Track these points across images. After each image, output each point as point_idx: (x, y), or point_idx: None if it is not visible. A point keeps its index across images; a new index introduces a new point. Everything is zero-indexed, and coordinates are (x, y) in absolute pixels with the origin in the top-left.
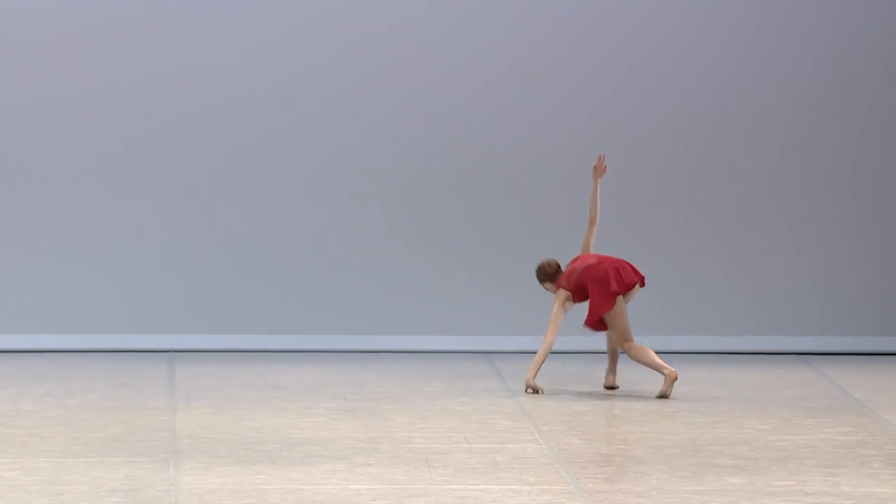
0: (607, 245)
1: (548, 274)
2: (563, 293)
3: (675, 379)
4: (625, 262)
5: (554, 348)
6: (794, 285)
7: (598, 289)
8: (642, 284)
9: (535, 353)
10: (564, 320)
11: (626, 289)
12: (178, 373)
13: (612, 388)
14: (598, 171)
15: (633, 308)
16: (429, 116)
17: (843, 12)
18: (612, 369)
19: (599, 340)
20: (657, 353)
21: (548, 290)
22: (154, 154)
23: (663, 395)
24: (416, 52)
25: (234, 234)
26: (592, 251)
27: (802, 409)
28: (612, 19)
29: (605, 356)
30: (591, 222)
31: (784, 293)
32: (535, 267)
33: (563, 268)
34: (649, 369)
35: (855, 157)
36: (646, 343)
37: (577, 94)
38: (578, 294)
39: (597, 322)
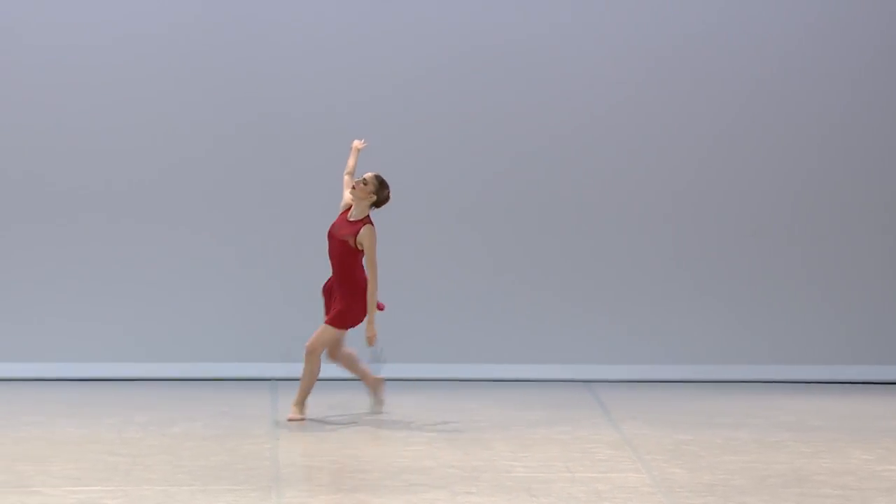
0: (712, 275)
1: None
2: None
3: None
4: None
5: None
6: None
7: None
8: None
9: (637, 382)
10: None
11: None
12: (281, 401)
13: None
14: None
15: (732, 336)
16: (539, 146)
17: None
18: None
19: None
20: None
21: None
22: (256, 189)
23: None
24: (527, 76)
25: (315, 263)
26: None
27: None
28: (733, 43)
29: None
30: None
31: (887, 322)
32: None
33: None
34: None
35: None
36: (749, 374)
37: (687, 126)
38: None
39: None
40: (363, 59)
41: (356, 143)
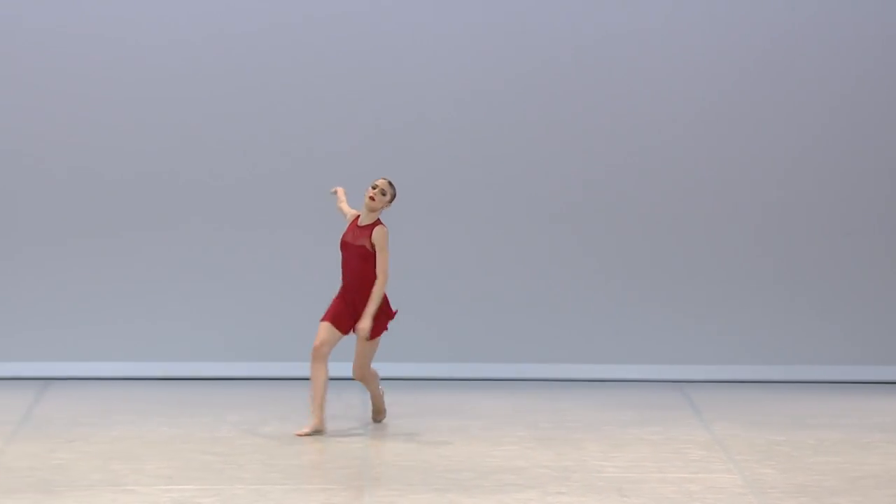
0: (805, 275)
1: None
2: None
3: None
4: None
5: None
6: None
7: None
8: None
9: (729, 382)
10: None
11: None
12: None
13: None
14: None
15: (824, 336)
16: (631, 150)
17: None
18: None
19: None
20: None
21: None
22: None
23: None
24: (621, 84)
25: (427, 263)
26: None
27: None
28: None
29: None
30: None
31: None
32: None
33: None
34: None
35: None
36: (842, 374)
37: (778, 129)
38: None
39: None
40: (449, 60)
41: (338, 191)
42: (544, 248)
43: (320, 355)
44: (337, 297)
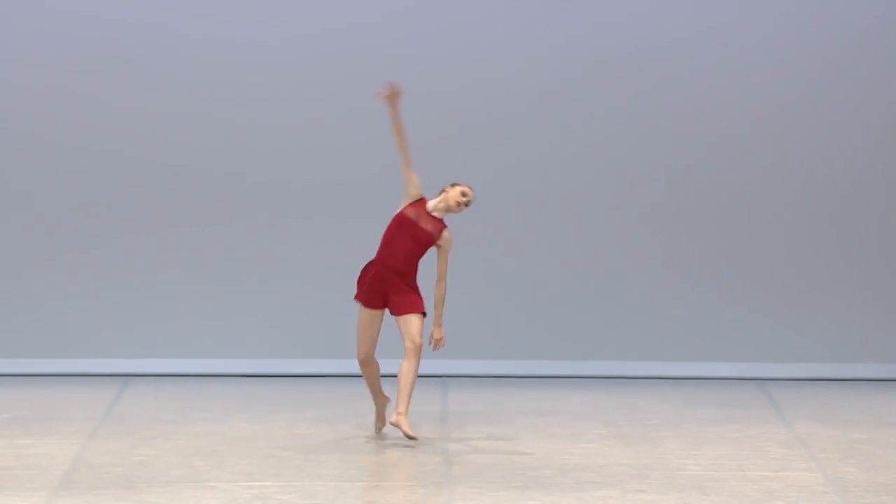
0: (885, 271)
1: None
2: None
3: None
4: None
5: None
6: None
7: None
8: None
9: (810, 380)
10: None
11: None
12: (451, 398)
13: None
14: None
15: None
16: (706, 146)
17: None
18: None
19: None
20: None
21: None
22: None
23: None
24: (689, 79)
25: (506, 261)
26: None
27: None
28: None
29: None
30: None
31: None
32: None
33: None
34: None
35: None
36: None
37: (857, 122)
38: None
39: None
40: (535, 55)
41: (391, 91)
42: (624, 248)
43: (370, 361)
44: (370, 277)
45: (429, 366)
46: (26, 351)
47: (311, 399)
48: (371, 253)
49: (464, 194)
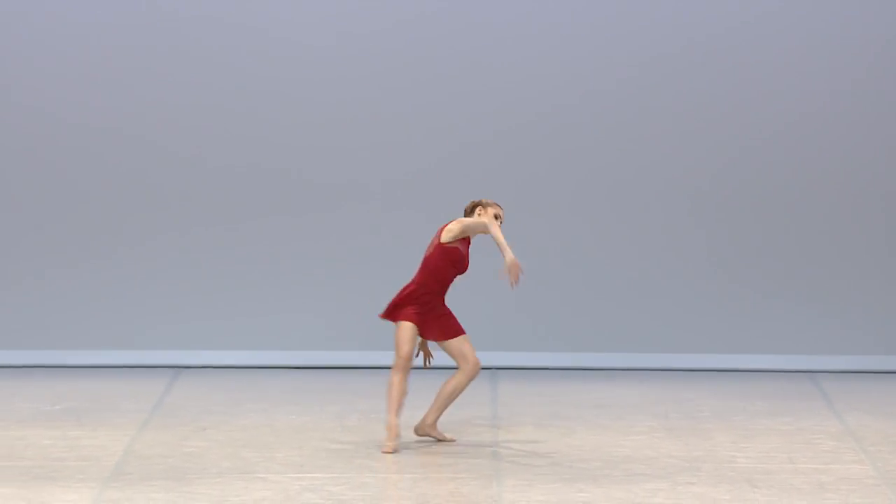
0: None
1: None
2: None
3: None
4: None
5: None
6: None
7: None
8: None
9: (861, 372)
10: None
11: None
12: (501, 390)
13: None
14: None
15: None
16: (753, 141)
17: None
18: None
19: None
20: None
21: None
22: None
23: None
24: (736, 74)
25: (557, 256)
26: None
27: None
28: None
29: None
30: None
31: None
32: None
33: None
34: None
35: None
36: None
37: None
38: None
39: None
40: (586, 54)
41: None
42: (674, 243)
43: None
44: (412, 303)
45: (481, 358)
46: (79, 343)
47: (361, 391)
48: (417, 245)
49: (496, 216)
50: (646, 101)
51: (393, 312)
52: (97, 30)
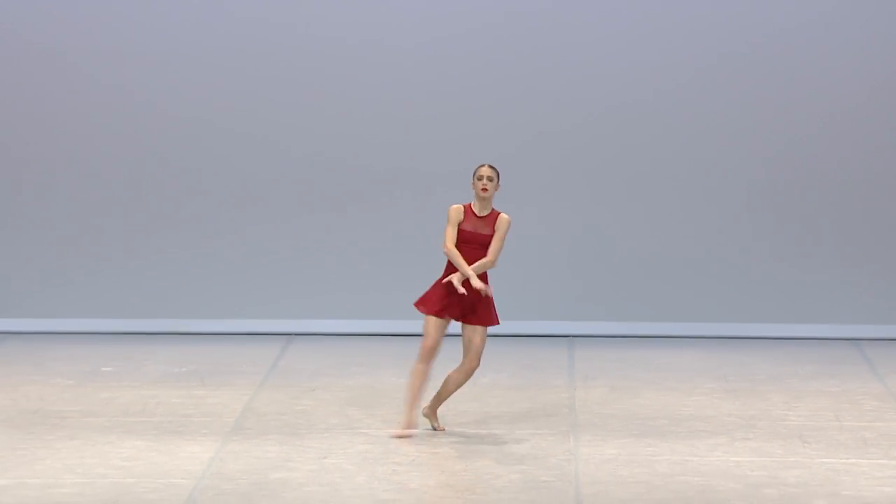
0: None
1: None
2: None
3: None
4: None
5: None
6: None
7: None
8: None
9: None
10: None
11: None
12: (577, 356)
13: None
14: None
15: None
16: (788, 132)
17: None
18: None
19: None
20: None
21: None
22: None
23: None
24: (790, 63)
25: (626, 233)
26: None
27: None
28: None
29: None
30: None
31: None
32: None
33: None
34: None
35: None
36: None
37: None
38: None
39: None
40: (642, 53)
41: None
42: (736, 223)
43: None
44: (443, 286)
45: (558, 326)
46: (204, 313)
47: (452, 356)
48: None
49: (479, 178)
50: (700, 97)
51: None
52: (207, 31)
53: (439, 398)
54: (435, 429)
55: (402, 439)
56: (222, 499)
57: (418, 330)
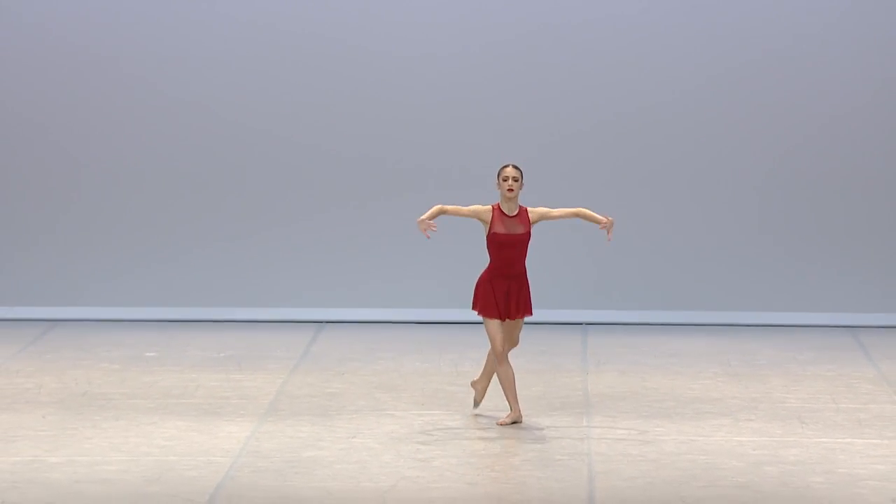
0: None
1: None
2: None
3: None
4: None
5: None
6: None
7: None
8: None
9: (894, 327)
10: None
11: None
12: (591, 342)
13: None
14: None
15: None
16: (798, 128)
17: None
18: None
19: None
20: None
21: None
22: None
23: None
24: (807, 60)
25: (643, 225)
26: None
27: None
28: None
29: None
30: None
31: None
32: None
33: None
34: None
35: None
36: None
37: None
38: None
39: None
40: (654, 54)
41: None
42: (741, 215)
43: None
44: (490, 289)
45: (571, 314)
46: (241, 301)
47: (474, 342)
48: None
49: (504, 178)
50: (711, 100)
51: None
52: (238, 29)
53: (488, 375)
54: (476, 403)
55: (500, 423)
56: (258, 475)
57: (440, 318)
